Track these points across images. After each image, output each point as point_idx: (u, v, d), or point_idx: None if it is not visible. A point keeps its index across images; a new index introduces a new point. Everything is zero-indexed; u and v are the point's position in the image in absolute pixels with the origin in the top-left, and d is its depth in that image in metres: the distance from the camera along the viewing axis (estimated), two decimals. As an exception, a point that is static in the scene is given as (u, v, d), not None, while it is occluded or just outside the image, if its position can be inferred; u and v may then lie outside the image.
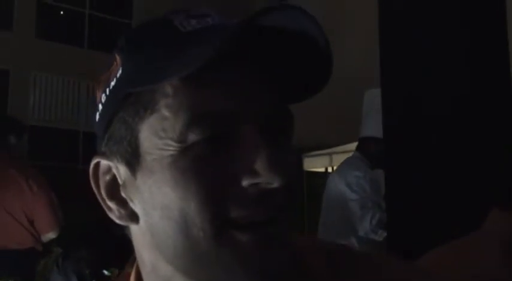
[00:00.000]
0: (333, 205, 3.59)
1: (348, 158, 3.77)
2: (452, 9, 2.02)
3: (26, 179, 3.65)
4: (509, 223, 0.80)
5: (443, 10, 2.02)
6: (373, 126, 3.39)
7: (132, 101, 0.64)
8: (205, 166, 0.59)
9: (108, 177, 0.68)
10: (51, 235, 3.68)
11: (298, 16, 0.59)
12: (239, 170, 0.59)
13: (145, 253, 0.67)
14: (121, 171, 0.66)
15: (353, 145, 3.87)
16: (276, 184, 0.58)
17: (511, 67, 1.95)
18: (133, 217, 0.66)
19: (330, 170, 10.07)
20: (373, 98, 3.34)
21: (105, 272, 1.93)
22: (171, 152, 0.60)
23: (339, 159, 9.80)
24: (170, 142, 0.60)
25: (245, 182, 0.59)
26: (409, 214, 2.06)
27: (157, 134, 0.61)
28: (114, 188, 0.67)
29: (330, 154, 9.64)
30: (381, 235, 3.31)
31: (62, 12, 14.54)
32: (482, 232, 0.82)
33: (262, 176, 0.58)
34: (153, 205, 0.62)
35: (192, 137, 0.59)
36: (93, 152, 0.70)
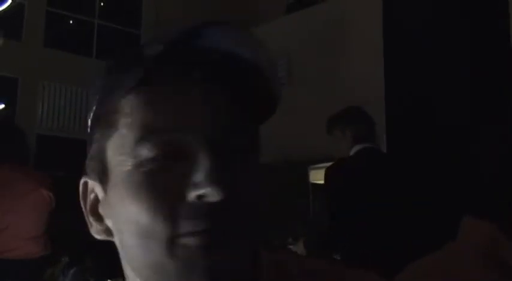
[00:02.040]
0: None
1: None
2: (457, 24, 2.04)
3: (47, 190, 3.80)
4: (489, 233, 0.80)
5: (447, 27, 2.04)
6: None
7: (102, 122, 0.69)
8: (155, 182, 0.63)
9: (92, 195, 0.73)
10: None
11: (236, 39, 0.64)
12: (184, 184, 0.62)
13: (124, 265, 0.72)
14: (97, 189, 0.71)
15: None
16: (214, 197, 0.61)
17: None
18: (108, 232, 0.71)
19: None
20: None
21: (109, 281, 1.94)
22: (128, 168, 0.65)
23: (344, 171, 9.74)
24: (127, 158, 0.65)
25: (189, 196, 0.62)
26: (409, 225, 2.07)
27: (118, 151, 0.66)
28: (95, 205, 0.73)
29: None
30: None
31: (71, 22, 14.62)
32: (460, 243, 0.82)
33: (201, 188, 0.61)
34: (119, 219, 0.67)
35: (144, 152, 0.64)
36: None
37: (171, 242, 0.62)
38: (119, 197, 0.66)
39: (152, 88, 0.64)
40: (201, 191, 0.61)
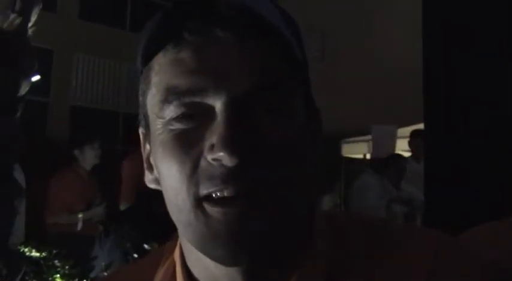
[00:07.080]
0: None
1: None
2: (499, 3, 1.98)
3: None
4: None
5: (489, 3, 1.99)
6: None
7: (141, 79, 0.69)
8: (179, 142, 0.62)
9: (147, 145, 0.73)
10: None
11: None
12: (204, 146, 0.61)
13: None
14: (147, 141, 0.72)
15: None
16: (228, 162, 0.59)
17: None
18: (157, 182, 0.71)
19: (368, 156, 9.98)
20: None
21: (146, 246, 1.98)
22: (158, 126, 0.65)
23: (377, 146, 9.68)
24: (156, 117, 0.65)
25: (208, 158, 0.61)
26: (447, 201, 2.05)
27: (151, 110, 0.67)
28: (148, 155, 0.73)
29: (368, 141, 9.55)
30: None
31: (105, -6, 14.64)
32: None
33: (215, 152, 0.59)
34: (159, 172, 0.67)
35: (168, 113, 0.63)
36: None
37: (197, 205, 0.62)
38: (156, 152, 0.67)
39: (177, 47, 0.63)
40: (215, 155, 0.60)
